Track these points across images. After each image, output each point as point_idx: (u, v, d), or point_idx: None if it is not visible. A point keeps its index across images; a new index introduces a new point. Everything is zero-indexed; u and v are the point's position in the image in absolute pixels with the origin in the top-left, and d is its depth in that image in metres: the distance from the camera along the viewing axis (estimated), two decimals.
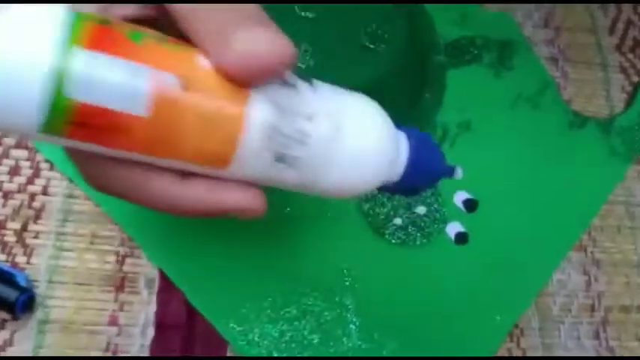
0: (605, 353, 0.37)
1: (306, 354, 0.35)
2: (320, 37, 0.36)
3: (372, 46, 0.37)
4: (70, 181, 0.38)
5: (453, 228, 0.39)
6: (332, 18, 0.37)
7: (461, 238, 0.39)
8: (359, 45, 0.37)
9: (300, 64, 0.36)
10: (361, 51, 0.36)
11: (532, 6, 0.49)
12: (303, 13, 0.37)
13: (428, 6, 0.45)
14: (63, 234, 0.37)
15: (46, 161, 0.39)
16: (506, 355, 0.37)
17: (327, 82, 0.36)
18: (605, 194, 0.42)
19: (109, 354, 0.34)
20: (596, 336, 0.38)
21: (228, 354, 0.35)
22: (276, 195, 0.39)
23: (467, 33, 0.46)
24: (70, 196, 0.38)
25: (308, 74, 0.35)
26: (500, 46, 0.45)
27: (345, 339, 0.35)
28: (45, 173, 0.39)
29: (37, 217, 0.37)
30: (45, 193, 0.38)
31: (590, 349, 0.37)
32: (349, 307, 0.36)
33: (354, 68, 0.36)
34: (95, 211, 0.38)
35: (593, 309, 0.39)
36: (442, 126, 0.42)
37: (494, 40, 0.46)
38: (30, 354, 0.34)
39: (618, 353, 0.38)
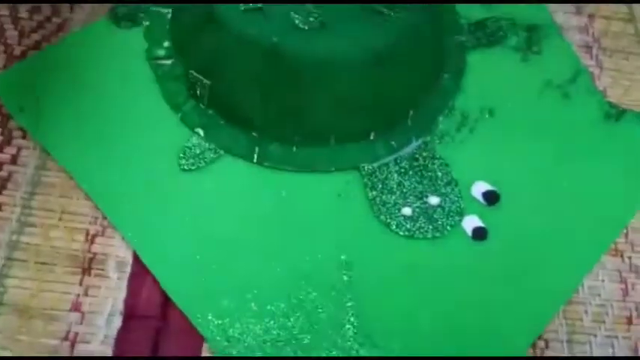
0: None
1: (295, 356, 0.30)
2: None
3: (385, 11, 0.33)
4: (43, 150, 0.34)
5: (471, 222, 0.34)
6: None
7: (479, 233, 0.34)
8: (371, 9, 0.33)
9: (303, 26, 0.32)
10: (374, 15, 0.32)
11: None
12: None
13: None
14: (29, 207, 0.33)
15: (19, 129, 0.35)
16: None
17: (337, 43, 0.32)
18: None
19: (68, 343, 0.30)
20: (634, 352, 0.32)
21: (205, 352, 0.30)
22: (271, 177, 0.35)
23: (492, 14, 0.42)
24: (42, 168, 0.34)
25: (314, 34, 0.32)
26: (527, 29, 0.41)
27: (340, 340, 0.30)
28: (17, 142, 0.35)
29: (2, 187, 0.34)
30: (14, 162, 0.34)
31: None
32: (347, 304, 0.31)
33: (365, 31, 0.32)
34: (68, 184, 0.34)
35: (630, 321, 0.33)
36: (461, 111, 0.38)
37: (522, 23, 0.42)
38: None
39: None
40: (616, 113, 0.39)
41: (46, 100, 0.36)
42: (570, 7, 0.44)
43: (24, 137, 0.35)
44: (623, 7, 0.45)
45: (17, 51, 0.38)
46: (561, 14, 0.44)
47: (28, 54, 0.38)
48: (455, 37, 0.40)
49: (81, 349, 0.30)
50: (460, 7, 0.42)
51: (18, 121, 0.35)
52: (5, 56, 0.38)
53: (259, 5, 0.32)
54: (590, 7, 0.44)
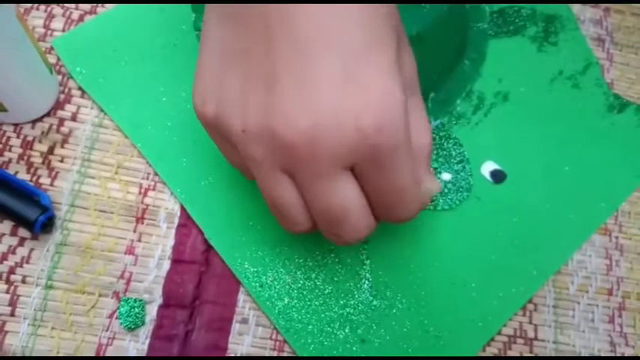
0: (618, 339, 0.37)
1: (316, 302, 0.35)
2: None
3: (421, 5, 0.36)
4: (100, 110, 0.38)
5: (488, 167, 0.38)
6: None
7: (497, 175, 0.38)
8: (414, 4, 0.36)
9: None
10: (411, 7, 0.36)
11: None
12: None
13: None
14: (88, 161, 0.37)
15: (79, 88, 0.39)
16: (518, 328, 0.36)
17: None
18: (638, 180, 0.40)
19: (123, 281, 0.35)
20: (611, 320, 0.37)
21: (240, 294, 0.35)
22: None
23: (513, 3, 0.44)
24: (99, 125, 0.38)
25: None
26: (546, 20, 0.44)
27: (356, 293, 0.35)
28: (76, 100, 0.39)
29: (64, 141, 0.37)
30: (74, 119, 0.38)
31: (602, 333, 0.37)
32: (364, 262, 0.36)
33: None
34: (122, 142, 0.38)
35: (610, 293, 0.38)
36: (478, 95, 0.41)
37: (541, 13, 0.44)
38: (45, 273, 0.34)
39: (631, 341, 0.37)
40: (619, 105, 0.42)
41: (103, 62, 0.39)
42: None
43: (82, 96, 0.39)
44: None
45: (75, 15, 0.41)
46: (578, 5, 0.46)
47: (85, 18, 0.41)
48: (478, 24, 0.43)
49: (135, 287, 0.35)
50: None
51: (77, 81, 0.39)
52: (64, 19, 0.41)
53: None
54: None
